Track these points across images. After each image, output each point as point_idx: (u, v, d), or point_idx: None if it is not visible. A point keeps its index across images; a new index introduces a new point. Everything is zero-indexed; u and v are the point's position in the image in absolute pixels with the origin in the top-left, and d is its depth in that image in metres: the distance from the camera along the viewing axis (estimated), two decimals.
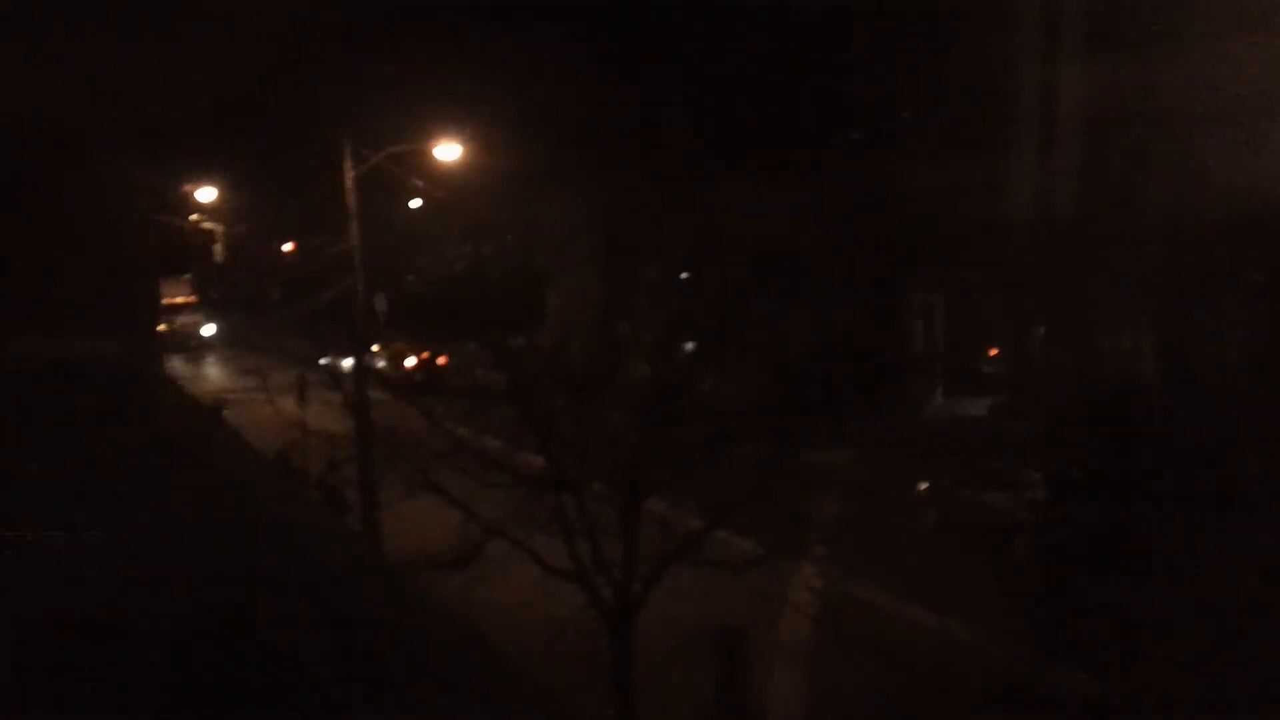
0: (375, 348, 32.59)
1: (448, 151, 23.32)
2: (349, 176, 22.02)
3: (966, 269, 31.54)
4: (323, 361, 32.59)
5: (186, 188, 45.57)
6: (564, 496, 13.93)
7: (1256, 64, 25.38)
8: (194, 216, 47.90)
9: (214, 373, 45.81)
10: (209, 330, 53.20)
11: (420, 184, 24.30)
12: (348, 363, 29.22)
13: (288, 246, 51.89)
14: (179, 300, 53.64)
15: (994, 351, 35.58)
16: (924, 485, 24.27)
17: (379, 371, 29.06)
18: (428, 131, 23.14)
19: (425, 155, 23.59)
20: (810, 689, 16.27)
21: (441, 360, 34.66)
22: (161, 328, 50.99)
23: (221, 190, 46.52)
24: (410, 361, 36.42)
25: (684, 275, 15.91)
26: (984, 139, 28.54)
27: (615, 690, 14.03)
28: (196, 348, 51.26)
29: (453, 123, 22.78)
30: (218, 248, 50.72)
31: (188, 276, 54.43)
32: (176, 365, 45.64)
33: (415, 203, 31.51)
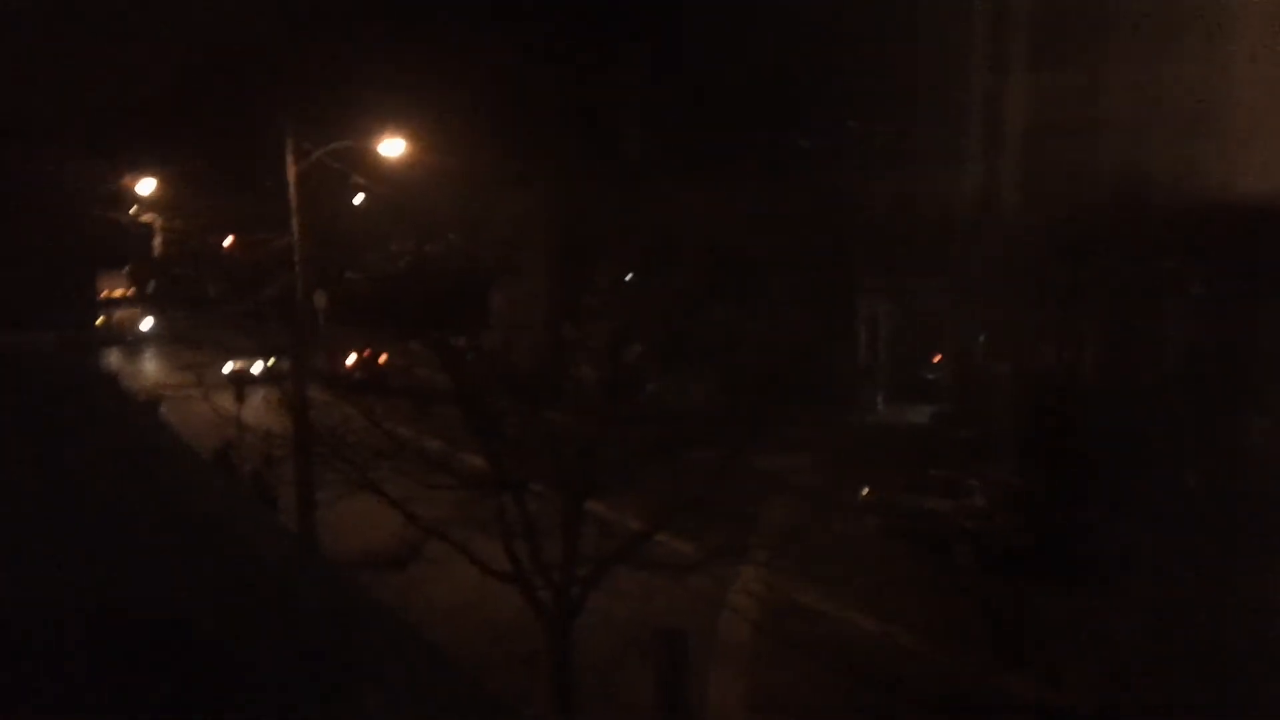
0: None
1: (392, 147, 23.06)
2: (291, 172, 21.67)
3: (912, 276, 31.78)
4: (227, 370, 31.98)
5: (126, 180, 44.73)
6: (505, 497, 13.79)
7: (1201, 76, 25.82)
8: (133, 209, 46.99)
9: (151, 367, 44.96)
10: (147, 324, 52.20)
11: (362, 181, 23.94)
12: (257, 368, 28.69)
13: (228, 241, 51.15)
14: (116, 293, 52.62)
15: (938, 358, 35.82)
16: (866, 491, 24.39)
17: (319, 369, 28.63)
18: (375, 128, 22.85)
19: (370, 152, 23.30)
20: (750, 693, 16.25)
21: (382, 359, 34.17)
22: (99, 321, 50.01)
23: (161, 183, 45.70)
24: (350, 359, 35.90)
25: (629, 277, 15.83)
26: (931, 148, 28.76)
27: (555, 693, 13.91)
28: (134, 342, 50.29)
29: (400, 119, 22.54)
30: (156, 241, 49.78)
31: (125, 270, 53.43)
32: (113, 359, 44.73)
33: (359, 199, 31.15)
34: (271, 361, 25.79)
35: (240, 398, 27.71)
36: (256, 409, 28.43)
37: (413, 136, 22.71)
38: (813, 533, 17.75)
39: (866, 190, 27.01)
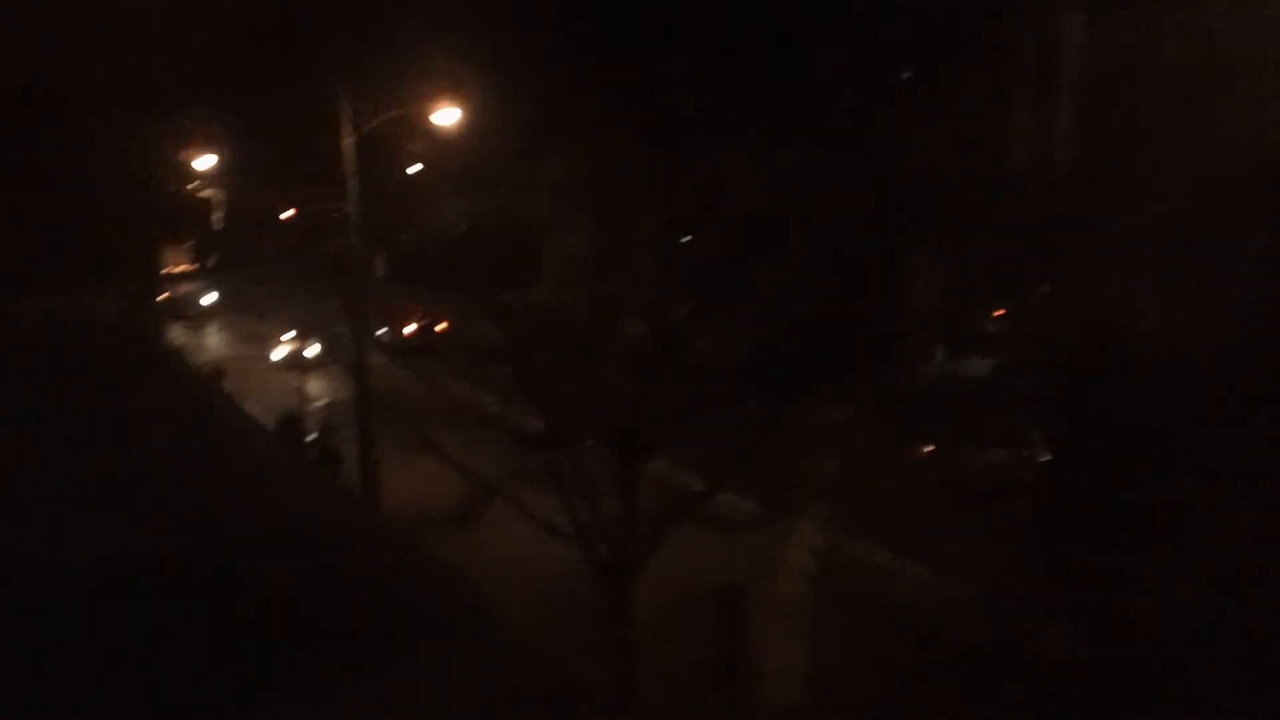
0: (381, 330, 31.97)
1: (446, 116, 22.96)
2: (346, 141, 21.77)
3: (970, 227, 31.21)
4: (278, 354, 32.16)
5: (185, 154, 45.36)
6: (561, 454, 13.85)
7: (1267, 21, 25.01)
8: (193, 184, 47.69)
9: (215, 340, 45.77)
10: (210, 298, 53.14)
11: (418, 148, 23.98)
12: (312, 350, 28.87)
13: (287, 214, 51.77)
14: (180, 268, 53.59)
15: (1000, 311, 35.31)
16: (928, 448, 24.11)
17: (378, 338, 28.99)
18: (422, 83, 22.74)
19: (422, 114, 23.29)
20: (808, 648, 16.22)
21: (440, 326, 34.55)
22: (163, 296, 51.04)
23: (220, 156, 46.27)
24: (409, 328, 36.36)
25: (687, 238, 15.74)
26: (986, 93, 28.13)
27: (612, 650, 13.98)
28: (197, 315, 51.24)
29: (446, 75, 22.43)
30: (216, 215, 50.54)
31: (188, 245, 54.33)
32: (178, 333, 45.63)
33: (416, 168, 31.29)
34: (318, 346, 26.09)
35: (304, 369, 28.29)
36: (318, 378, 28.92)
37: (461, 94, 22.60)
38: (870, 486, 17.60)
39: (920, 139, 26.48)
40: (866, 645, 15.92)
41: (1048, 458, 22.85)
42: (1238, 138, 25.31)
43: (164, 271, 52.80)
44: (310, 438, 23.33)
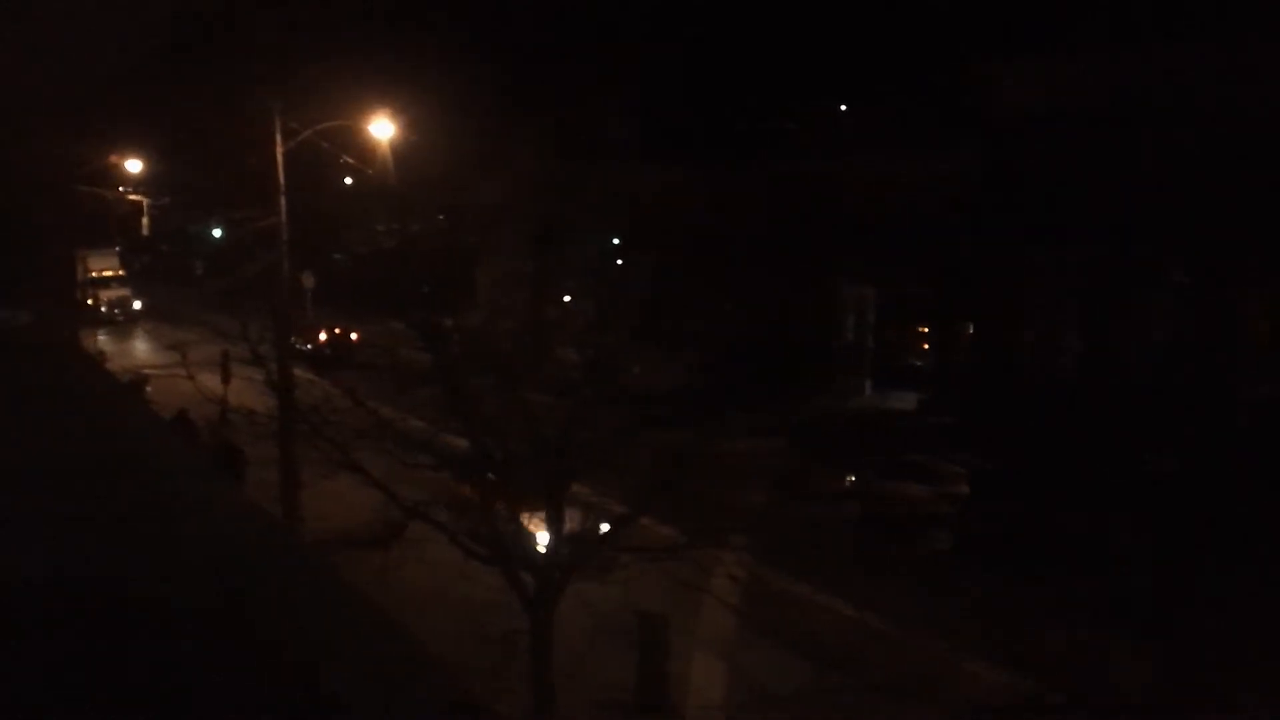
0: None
1: (381, 129, 22.91)
2: (278, 152, 21.54)
3: (899, 263, 31.74)
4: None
5: (114, 159, 44.52)
6: (487, 479, 13.78)
7: (1184, 67, 25.74)
8: (121, 188, 46.81)
9: (140, 346, 44.84)
10: (137, 304, 52.06)
11: (351, 161, 23.78)
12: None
13: (217, 231, 51.00)
14: (106, 273, 52.36)
15: (927, 345, 35.98)
16: (851, 479, 24.42)
17: (293, 345, 28.47)
18: (360, 106, 22.68)
19: (358, 132, 23.16)
20: (729, 677, 16.29)
21: (354, 336, 34.16)
22: (89, 301, 49.86)
23: (150, 161, 45.50)
24: (322, 336, 35.93)
25: (619, 261, 15.82)
26: (918, 133, 28.64)
27: (534, 676, 13.91)
28: (124, 321, 50.16)
29: (385, 98, 22.35)
30: (144, 220, 49.56)
31: (116, 249, 53.15)
32: (102, 339, 44.61)
33: (348, 180, 30.96)
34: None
35: (226, 379, 27.64)
36: (240, 389, 28.39)
37: (398, 116, 22.54)
38: (793, 518, 17.76)
39: (852, 172, 26.87)
40: (787, 673, 16.01)
41: (966, 491, 23.21)
42: (1155, 180, 26.05)
43: (92, 274, 51.60)
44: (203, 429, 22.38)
